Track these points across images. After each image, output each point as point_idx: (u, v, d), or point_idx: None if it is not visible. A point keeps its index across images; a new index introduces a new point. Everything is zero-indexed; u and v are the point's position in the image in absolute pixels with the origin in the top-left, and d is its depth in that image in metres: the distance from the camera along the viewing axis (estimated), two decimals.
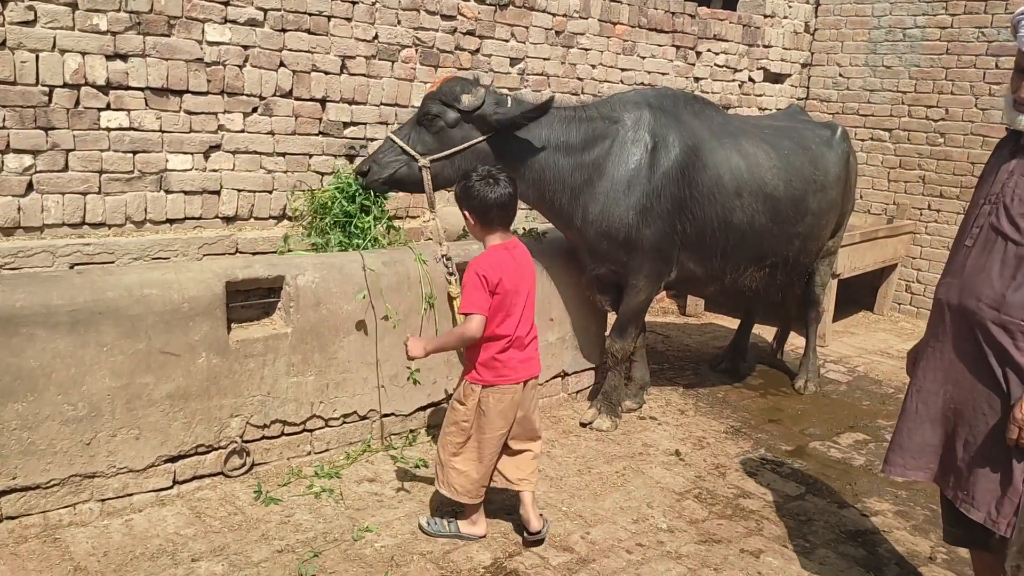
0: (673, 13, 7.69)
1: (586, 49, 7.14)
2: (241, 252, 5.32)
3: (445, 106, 4.46)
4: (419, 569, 3.38)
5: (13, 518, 3.40)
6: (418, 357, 3.58)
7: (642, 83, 7.56)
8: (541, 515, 3.69)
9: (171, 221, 5.28)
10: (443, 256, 4.36)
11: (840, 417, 5.51)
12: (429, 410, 4.64)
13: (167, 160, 5.18)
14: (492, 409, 3.51)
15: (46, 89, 4.72)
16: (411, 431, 4.58)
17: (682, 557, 3.61)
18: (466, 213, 3.53)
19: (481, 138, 4.50)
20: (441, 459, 3.62)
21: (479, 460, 3.57)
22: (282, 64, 5.52)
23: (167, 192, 5.23)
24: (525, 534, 3.62)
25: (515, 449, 3.66)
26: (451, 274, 4.36)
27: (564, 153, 4.62)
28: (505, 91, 4.75)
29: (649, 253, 4.76)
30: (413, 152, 4.47)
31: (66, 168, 4.86)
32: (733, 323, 7.22)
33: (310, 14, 5.55)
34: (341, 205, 4.60)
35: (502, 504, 3.96)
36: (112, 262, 4.86)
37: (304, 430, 4.18)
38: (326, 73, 5.71)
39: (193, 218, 5.36)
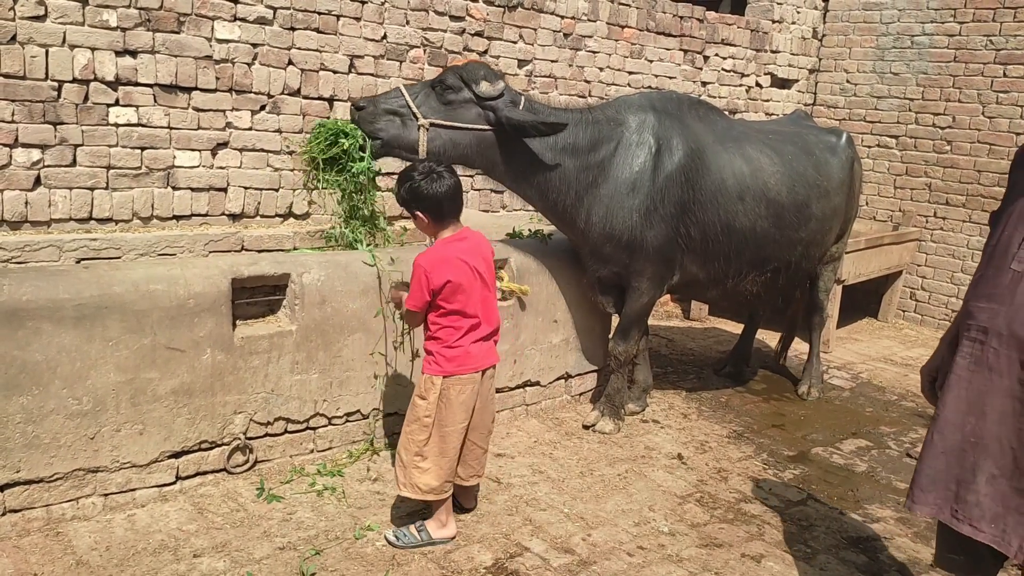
0: (681, 17, 7.69)
1: (594, 52, 7.15)
2: (247, 250, 5.34)
3: (463, 82, 4.41)
4: (420, 568, 3.38)
5: (16, 511, 3.41)
6: (396, 299, 3.70)
7: (649, 86, 7.57)
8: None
9: (178, 217, 5.30)
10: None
11: (843, 423, 5.51)
12: None
13: (175, 157, 5.20)
14: (454, 400, 3.50)
15: (55, 84, 4.74)
16: None
17: (683, 560, 3.61)
18: (418, 213, 3.51)
19: (486, 127, 4.46)
20: (403, 460, 3.55)
21: (442, 455, 3.54)
22: (291, 63, 5.54)
23: (174, 188, 5.25)
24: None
25: (472, 443, 3.67)
26: None
27: (570, 155, 4.62)
28: (521, 92, 4.68)
29: (652, 256, 4.76)
30: (416, 110, 4.37)
31: (74, 163, 4.88)
32: (737, 328, 7.23)
33: (319, 13, 5.57)
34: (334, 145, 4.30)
35: (503, 505, 3.97)
36: (119, 257, 4.87)
37: (307, 428, 4.19)
38: (334, 72, 5.74)
39: (200, 215, 5.38)
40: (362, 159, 4.33)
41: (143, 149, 5.08)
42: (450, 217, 3.52)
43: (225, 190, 5.44)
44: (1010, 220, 2.70)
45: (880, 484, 4.60)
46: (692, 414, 5.43)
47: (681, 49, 7.79)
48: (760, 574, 3.56)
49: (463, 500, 3.85)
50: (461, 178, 5.91)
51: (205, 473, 3.89)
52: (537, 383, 5.12)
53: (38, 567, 3.19)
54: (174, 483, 3.79)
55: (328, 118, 5.73)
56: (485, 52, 6.43)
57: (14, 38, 4.56)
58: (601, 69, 7.24)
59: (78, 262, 4.72)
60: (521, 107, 4.50)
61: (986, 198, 7.77)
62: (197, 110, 5.23)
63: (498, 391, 4.89)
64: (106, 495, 3.61)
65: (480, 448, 3.73)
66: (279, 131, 5.58)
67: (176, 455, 3.78)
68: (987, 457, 2.65)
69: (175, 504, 3.72)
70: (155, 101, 5.07)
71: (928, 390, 3.02)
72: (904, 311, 8.42)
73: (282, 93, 5.54)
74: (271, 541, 3.49)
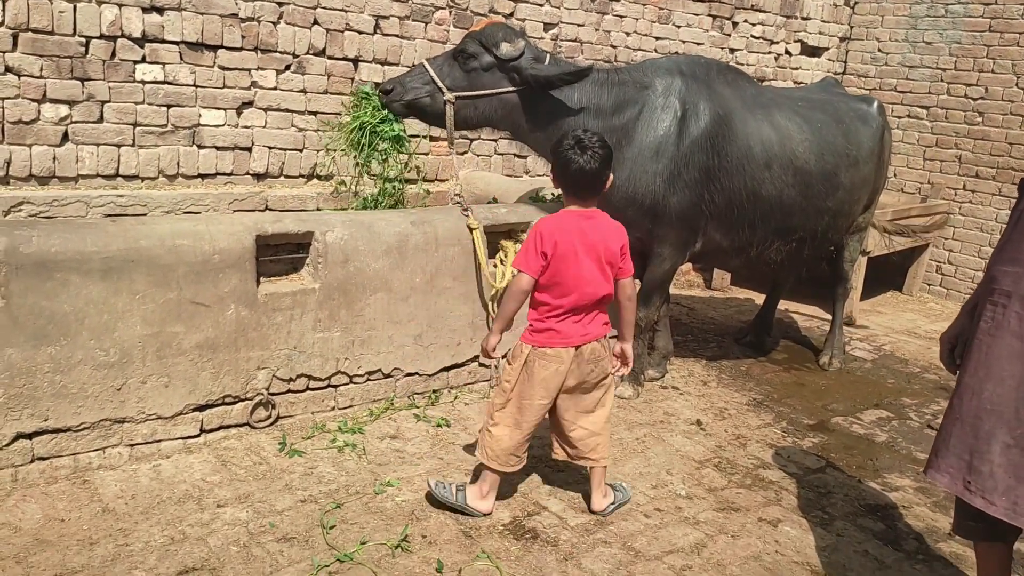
0: None
1: (621, 16, 7.07)
2: (271, 209, 5.36)
3: (483, 48, 4.45)
4: (438, 524, 3.42)
5: (45, 459, 3.48)
6: (495, 346, 3.45)
7: (676, 52, 7.47)
8: (609, 493, 3.65)
9: (203, 176, 5.33)
10: (456, 194, 4.48)
11: (864, 394, 5.48)
12: (452, 371, 4.67)
13: (200, 115, 5.22)
14: (536, 374, 3.40)
15: (83, 40, 4.76)
16: (434, 391, 4.62)
17: (699, 523, 3.63)
18: (551, 172, 3.45)
19: (511, 88, 4.49)
20: (484, 422, 3.54)
21: (515, 427, 3.44)
22: (316, 22, 5.52)
23: (199, 147, 5.27)
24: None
25: (569, 423, 3.55)
26: (465, 210, 4.52)
27: (594, 116, 4.59)
28: (547, 51, 4.71)
29: (675, 222, 4.73)
30: (441, 84, 4.46)
31: (101, 119, 4.91)
32: (759, 297, 7.19)
33: None
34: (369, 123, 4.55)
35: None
36: (144, 214, 4.91)
37: (329, 385, 4.23)
38: (359, 32, 5.71)
39: (224, 174, 5.40)
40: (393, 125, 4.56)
41: (169, 107, 5.10)
42: (572, 193, 3.38)
43: (250, 149, 5.46)
44: None
45: (900, 454, 4.58)
46: (712, 382, 5.42)
47: (710, 15, 7.68)
48: (776, 538, 3.57)
49: (592, 499, 3.63)
50: (486, 141, 5.89)
51: (228, 427, 3.95)
52: None
53: (65, 513, 3.26)
54: (198, 436, 3.85)
55: (354, 80, 5.73)
56: (511, 15, 6.37)
57: None
58: (628, 34, 7.15)
59: (105, 218, 4.76)
60: (547, 63, 4.49)
61: (1017, 171, 7.64)
62: (222, 68, 5.24)
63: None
64: (132, 445, 3.68)
65: (582, 428, 3.56)
66: (304, 91, 5.58)
67: (200, 408, 3.83)
68: (1003, 425, 2.62)
69: (199, 456, 3.78)
70: (181, 59, 5.08)
71: (947, 358, 2.99)
72: (930, 284, 8.33)
73: (307, 53, 5.53)
74: (293, 494, 3.54)
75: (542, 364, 3.40)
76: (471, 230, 4.48)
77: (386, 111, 4.53)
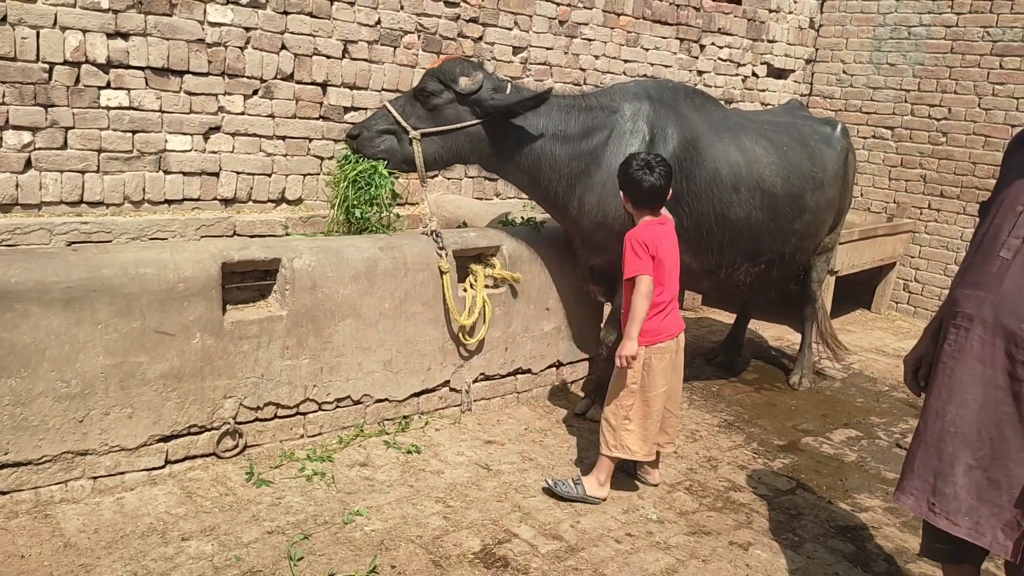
0: (678, 5, 7.66)
1: (589, 40, 7.12)
2: (239, 235, 5.31)
3: (442, 85, 4.47)
4: (408, 553, 3.39)
5: (4, 493, 3.41)
6: (634, 352, 3.82)
7: (645, 75, 7.53)
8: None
9: (169, 202, 5.27)
10: (432, 232, 4.54)
11: (833, 413, 5.52)
12: (423, 396, 4.65)
13: (166, 141, 5.17)
14: (656, 368, 3.91)
15: (46, 66, 4.70)
16: (404, 417, 4.58)
17: (671, 548, 3.62)
18: (622, 193, 3.96)
19: (474, 121, 4.50)
20: (612, 424, 3.96)
21: (646, 418, 3.94)
22: (284, 47, 5.50)
23: (166, 173, 5.22)
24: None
25: (667, 411, 4.08)
26: (441, 248, 4.52)
27: (561, 142, 4.61)
28: (507, 78, 4.73)
29: None
30: (405, 123, 4.48)
31: (65, 146, 4.85)
32: (729, 318, 7.23)
33: None
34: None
35: (493, 491, 3.97)
36: (109, 241, 4.85)
37: (297, 413, 4.18)
38: (328, 57, 5.70)
39: (192, 199, 5.35)
40: (384, 177, 4.58)
41: (134, 132, 5.05)
42: (647, 207, 3.90)
43: (217, 175, 5.41)
44: (1000, 208, 2.69)
45: (869, 474, 4.61)
46: (683, 403, 5.43)
47: (677, 38, 7.76)
48: (747, 561, 3.57)
49: (649, 474, 4.19)
50: (458, 167, 5.92)
51: (194, 457, 3.89)
52: (528, 371, 5.12)
53: (25, 549, 3.19)
54: (163, 467, 3.79)
55: (322, 104, 5.72)
56: (480, 39, 6.40)
57: (4, 19, 4.52)
58: (596, 57, 7.21)
59: (69, 245, 4.70)
60: (508, 92, 4.51)
61: (981, 190, 7.77)
62: (189, 94, 5.20)
63: (488, 379, 4.90)
64: (95, 478, 3.61)
65: (674, 416, 4.16)
66: (272, 116, 5.55)
67: (165, 439, 3.78)
68: (965, 447, 2.64)
69: (164, 488, 3.72)
70: (147, 84, 5.03)
71: (911, 380, 3.01)
72: (897, 303, 8.43)
73: (275, 78, 5.51)
74: (260, 525, 3.49)
75: (659, 358, 3.93)
76: (442, 273, 4.49)
77: (371, 164, 4.51)
